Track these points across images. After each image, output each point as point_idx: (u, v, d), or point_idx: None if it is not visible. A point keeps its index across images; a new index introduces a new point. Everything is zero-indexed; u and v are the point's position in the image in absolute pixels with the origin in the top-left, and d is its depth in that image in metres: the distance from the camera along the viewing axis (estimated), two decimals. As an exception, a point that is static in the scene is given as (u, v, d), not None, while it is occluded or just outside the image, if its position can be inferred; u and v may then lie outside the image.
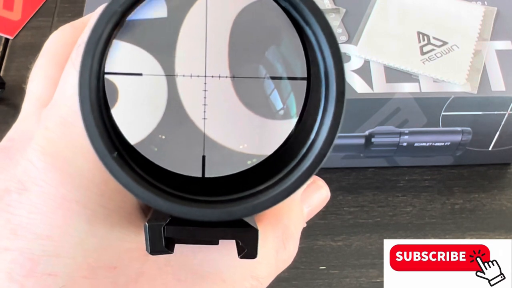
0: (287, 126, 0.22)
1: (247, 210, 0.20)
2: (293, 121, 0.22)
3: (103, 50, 0.20)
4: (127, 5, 0.20)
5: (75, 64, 0.23)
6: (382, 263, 0.59)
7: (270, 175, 0.21)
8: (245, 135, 0.22)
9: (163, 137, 0.22)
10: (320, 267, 0.59)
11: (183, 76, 0.21)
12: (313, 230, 0.61)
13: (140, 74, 0.21)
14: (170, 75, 0.21)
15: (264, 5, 0.22)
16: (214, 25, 0.21)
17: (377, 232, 0.61)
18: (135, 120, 0.22)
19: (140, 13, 0.21)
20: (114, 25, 0.20)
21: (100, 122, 0.20)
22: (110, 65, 0.21)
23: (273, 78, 0.22)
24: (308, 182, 0.21)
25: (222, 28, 0.21)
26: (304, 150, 0.21)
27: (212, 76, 0.21)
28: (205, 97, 0.22)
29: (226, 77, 0.22)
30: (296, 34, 0.21)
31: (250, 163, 0.22)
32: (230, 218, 0.20)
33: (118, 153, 0.20)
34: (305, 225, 0.28)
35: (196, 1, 0.21)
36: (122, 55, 0.21)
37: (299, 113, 0.22)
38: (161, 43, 0.21)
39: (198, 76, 0.21)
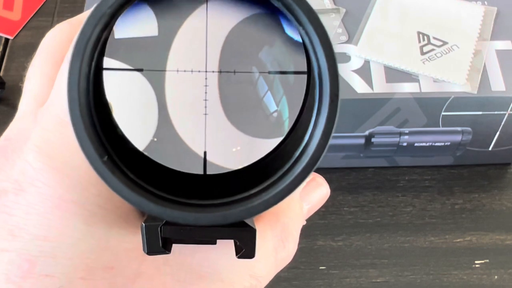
0: (281, 130, 0.22)
1: (241, 214, 0.20)
2: (288, 124, 0.22)
3: (92, 53, 0.20)
4: (116, 7, 0.20)
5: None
6: (382, 263, 0.59)
7: (265, 177, 0.21)
8: (242, 135, 0.22)
9: (165, 137, 0.22)
10: (320, 267, 0.59)
11: (184, 71, 0.21)
12: (313, 230, 0.61)
13: (141, 70, 0.21)
14: (169, 71, 0.21)
15: (262, 16, 0.22)
16: (210, 36, 0.21)
17: (377, 232, 0.61)
18: (136, 125, 0.22)
19: (130, 31, 0.21)
20: (103, 27, 0.20)
21: (90, 125, 0.20)
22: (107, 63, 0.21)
23: (272, 72, 0.22)
24: (303, 184, 0.20)
25: (217, 38, 0.21)
26: (298, 152, 0.21)
27: (213, 71, 0.21)
28: (206, 92, 0.21)
29: (228, 72, 0.21)
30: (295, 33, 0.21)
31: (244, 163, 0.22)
32: (223, 223, 0.20)
33: (108, 156, 0.20)
34: (304, 223, 0.27)
35: (189, 16, 0.21)
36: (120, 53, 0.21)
37: (295, 114, 0.22)
38: (153, 57, 0.21)
39: (199, 71, 0.21)
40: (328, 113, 0.20)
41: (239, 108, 0.22)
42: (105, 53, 0.21)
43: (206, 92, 0.22)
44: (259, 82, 0.22)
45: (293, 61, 0.22)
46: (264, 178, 0.21)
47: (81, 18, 0.26)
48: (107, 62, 0.21)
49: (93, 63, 0.20)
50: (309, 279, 0.58)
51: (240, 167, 0.22)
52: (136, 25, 0.21)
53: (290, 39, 0.21)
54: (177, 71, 0.21)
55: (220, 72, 0.21)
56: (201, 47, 0.22)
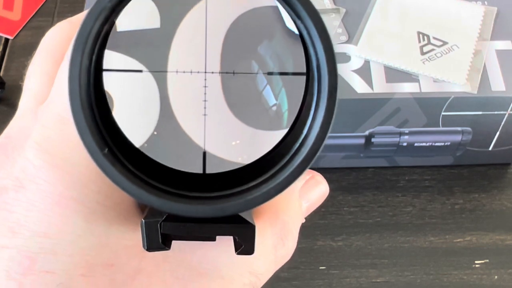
0: (282, 127, 0.22)
1: (240, 206, 0.20)
2: (289, 120, 0.22)
3: (92, 46, 0.20)
4: (116, 1, 0.20)
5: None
6: (382, 263, 0.59)
7: (264, 170, 0.21)
8: (242, 133, 0.22)
9: (165, 135, 0.22)
10: (320, 267, 0.59)
11: (183, 72, 0.21)
12: (313, 230, 0.61)
13: (140, 71, 0.21)
14: (169, 72, 0.22)
15: (262, 10, 0.22)
16: (211, 29, 0.21)
17: (377, 232, 0.61)
18: (135, 123, 0.22)
19: (131, 24, 0.21)
20: (104, 21, 0.20)
21: (90, 118, 0.20)
22: (106, 63, 0.21)
23: (270, 73, 0.22)
24: (302, 177, 0.20)
25: (219, 31, 0.22)
26: (297, 145, 0.21)
27: (212, 72, 0.21)
28: (205, 93, 0.22)
29: (226, 73, 0.22)
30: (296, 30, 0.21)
31: (243, 160, 0.22)
32: (223, 214, 0.20)
33: (109, 149, 0.20)
34: (304, 220, 0.28)
35: (192, 8, 0.21)
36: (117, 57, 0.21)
37: (296, 110, 0.22)
38: (155, 52, 0.21)
39: (198, 72, 0.21)
40: (327, 106, 0.20)
41: (239, 103, 0.22)
42: (107, 46, 0.21)
43: (205, 93, 0.22)
44: (258, 78, 0.22)
45: (292, 57, 0.22)
46: (264, 171, 0.21)
47: (81, 17, 0.26)
48: (109, 55, 0.21)
49: (94, 57, 0.20)
50: (309, 279, 0.58)
51: (242, 164, 0.22)
52: (138, 18, 0.21)
53: (290, 33, 0.22)
54: (177, 72, 0.21)
55: (219, 73, 0.22)
56: (201, 45, 0.22)
